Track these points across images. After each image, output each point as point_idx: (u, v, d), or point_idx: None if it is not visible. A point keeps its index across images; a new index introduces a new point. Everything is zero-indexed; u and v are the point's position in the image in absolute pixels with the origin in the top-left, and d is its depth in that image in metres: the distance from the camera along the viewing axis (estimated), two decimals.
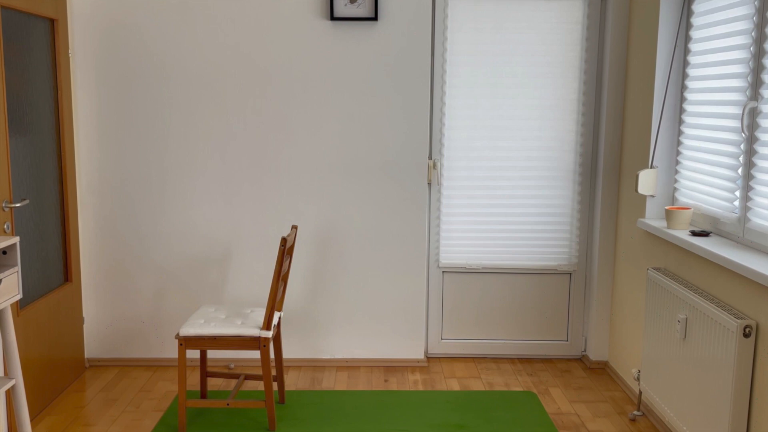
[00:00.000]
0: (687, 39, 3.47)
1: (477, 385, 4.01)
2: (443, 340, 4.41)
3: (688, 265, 3.20)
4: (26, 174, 3.53)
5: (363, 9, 3.98)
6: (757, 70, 2.83)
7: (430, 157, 4.22)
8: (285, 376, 4.13)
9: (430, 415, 3.62)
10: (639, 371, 3.61)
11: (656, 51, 3.55)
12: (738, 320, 2.65)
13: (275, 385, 3.89)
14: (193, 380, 4.08)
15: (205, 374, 3.71)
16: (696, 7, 3.37)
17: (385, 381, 4.07)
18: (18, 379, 2.69)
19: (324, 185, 4.15)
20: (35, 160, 3.63)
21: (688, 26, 3.45)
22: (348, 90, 4.08)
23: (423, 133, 4.12)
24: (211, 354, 4.30)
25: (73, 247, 4.02)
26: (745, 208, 2.92)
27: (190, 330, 3.37)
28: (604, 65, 4.09)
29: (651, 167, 3.61)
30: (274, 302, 3.35)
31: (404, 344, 4.30)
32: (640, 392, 3.58)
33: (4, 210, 3.27)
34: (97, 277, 4.21)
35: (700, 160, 3.32)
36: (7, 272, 2.57)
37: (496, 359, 4.40)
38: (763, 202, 2.79)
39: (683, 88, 3.52)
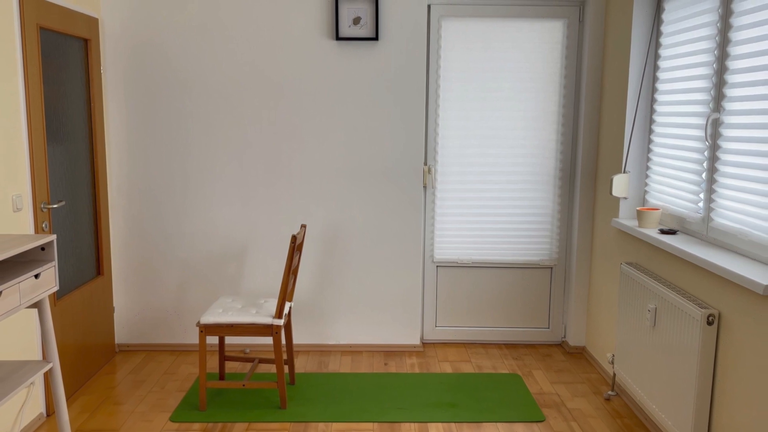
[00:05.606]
0: (656, 57, 3.47)
1: (467, 368, 4.00)
2: (437, 328, 4.40)
3: (657, 260, 3.19)
4: (62, 178, 3.53)
5: (365, 30, 3.98)
6: (719, 85, 2.83)
7: (425, 163, 4.21)
8: (295, 360, 4.12)
9: (426, 395, 3.61)
10: (613, 355, 3.60)
11: (628, 67, 3.55)
12: (702, 310, 2.64)
13: (286, 368, 3.89)
14: (213, 363, 4.07)
15: (223, 358, 3.70)
16: (665, 28, 3.37)
17: (385, 364, 4.07)
18: (55, 363, 2.69)
19: (331, 188, 4.15)
20: (70, 165, 3.62)
21: (657, 45, 3.45)
22: (352, 102, 4.07)
23: (419, 141, 4.11)
24: (229, 340, 4.30)
25: (104, 244, 4.02)
26: (709, 209, 2.92)
27: (209, 318, 3.36)
28: (582, 80, 4.08)
29: (624, 172, 3.61)
30: (285, 293, 3.35)
31: (402, 331, 4.29)
32: (614, 374, 3.57)
33: (42, 210, 3.27)
34: (126, 271, 4.21)
35: (668, 165, 3.31)
36: (45, 267, 2.57)
37: (485, 345, 4.40)
38: (725, 204, 2.79)
39: (653, 101, 3.52)
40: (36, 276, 2.51)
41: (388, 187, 4.15)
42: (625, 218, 3.65)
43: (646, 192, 3.60)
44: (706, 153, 2.94)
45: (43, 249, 2.62)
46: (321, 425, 3.28)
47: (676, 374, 2.84)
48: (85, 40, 3.79)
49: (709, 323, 2.63)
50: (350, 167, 4.13)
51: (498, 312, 4.38)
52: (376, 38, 3.98)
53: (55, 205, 3.35)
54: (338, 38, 3.97)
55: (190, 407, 3.45)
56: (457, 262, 4.32)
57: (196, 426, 3.27)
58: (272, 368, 4.01)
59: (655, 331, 3.04)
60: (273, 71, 4.04)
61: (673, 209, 3.25)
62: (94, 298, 3.88)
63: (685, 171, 3.12)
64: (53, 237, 2.61)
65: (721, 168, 2.81)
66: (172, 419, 3.33)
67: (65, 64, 3.55)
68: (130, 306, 4.25)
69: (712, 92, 2.89)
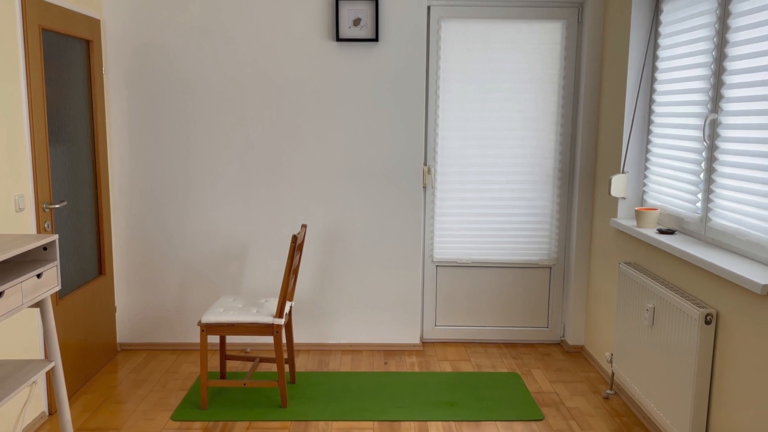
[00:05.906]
0: (654, 57, 3.47)
1: (467, 367, 4.00)
2: (437, 327, 4.40)
3: (655, 260, 3.19)
4: (64, 178, 3.53)
5: (365, 31, 3.98)
6: (717, 85, 2.83)
7: (425, 164, 4.21)
8: (295, 359, 4.12)
9: (425, 394, 3.61)
10: (611, 355, 3.60)
11: (627, 68, 3.55)
12: (700, 309, 2.64)
13: (287, 367, 3.89)
14: (214, 363, 4.07)
15: (224, 357, 3.70)
16: (663, 29, 3.37)
17: (385, 363, 4.07)
18: (57, 362, 2.69)
19: (331, 189, 4.15)
20: (72, 166, 3.62)
21: (656, 46, 3.45)
22: (352, 103, 4.07)
23: (419, 142, 4.11)
24: (230, 339, 4.29)
25: (106, 244, 4.01)
26: (707, 209, 2.92)
27: (211, 318, 3.36)
28: (581, 81, 4.08)
29: (622, 172, 3.61)
30: (286, 293, 3.34)
31: (402, 330, 4.29)
32: (613, 373, 3.57)
33: (44, 210, 3.27)
34: (128, 271, 4.21)
35: (666, 166, 3.31)
36: (47, 266, 2.57)
37: (484, 344, 4.40)
38: (723, 204, 2.78)
39: (651, 101, 3.52)
40: (38, 276, 2.51)
41: (388, 187, 4.15)
42: (624, 218, 3.64)
43: (644, 192, 3.59)
44: (704, 153, 2.94)
45: (45, 249, 2.62)
46: (321, 424, 3.28)
47: (675, 373, 2.83)
48: (87, 41, 3.79)
49: (707, 323, 2.63)
50: (350, 168, 4.12)
51: (497, 311, 4.38)
52: (376, 39, 3.97)
53: (57, 205, 3.35)
54: (338, 39, 3.97)
55: (192, 406, 3.45)
56: (456, 262, 4.32)
57: (198, 425, 3.27)
58: (273, 367, 4.01)
59: (653, 331, 3.04)
60: (274, 72, 4.04)
61: (671, 209, 3.25)
62: (96, 297, 3.88)
63: (684, 171, 3.12)
64: (55, 237, 2.61)
65: (719, 168, 2.81)
66: (174, 418, 3.32)
67: (67, 65, 3.55)
68: (131, 305, 4.24)
69: (710, 93, 2.89)
